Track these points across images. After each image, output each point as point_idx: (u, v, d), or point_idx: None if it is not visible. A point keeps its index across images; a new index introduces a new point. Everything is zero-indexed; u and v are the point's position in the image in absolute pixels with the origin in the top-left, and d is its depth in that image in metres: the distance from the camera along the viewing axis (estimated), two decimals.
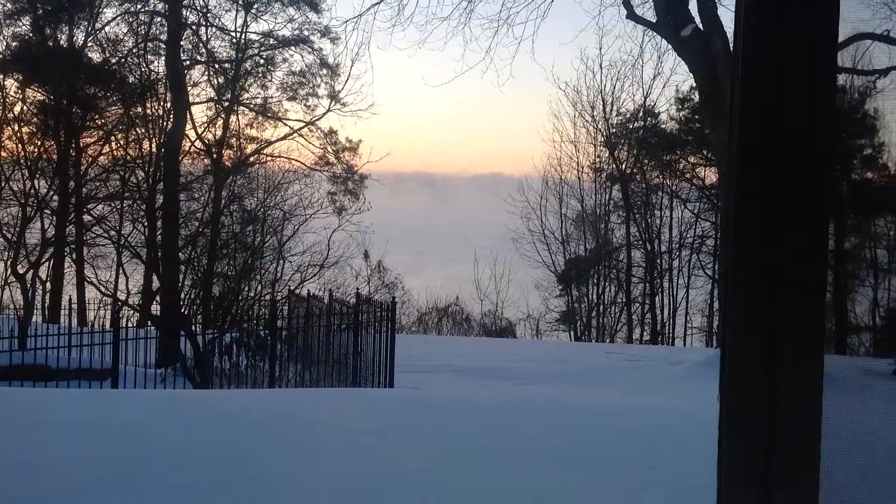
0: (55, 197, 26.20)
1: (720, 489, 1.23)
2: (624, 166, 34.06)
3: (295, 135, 28.62)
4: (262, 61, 28.36)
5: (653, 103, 33.76)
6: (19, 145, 26.12)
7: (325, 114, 28.33)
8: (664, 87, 36.70)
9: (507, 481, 4.49)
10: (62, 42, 27.00)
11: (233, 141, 28.44)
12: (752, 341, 1.24)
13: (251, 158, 28.78)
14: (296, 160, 28.74)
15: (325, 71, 28.01)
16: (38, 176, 25.98)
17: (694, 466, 4.76)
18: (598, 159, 34.70)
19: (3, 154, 26.04)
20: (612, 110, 33.78)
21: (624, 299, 33.81)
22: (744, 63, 1.22)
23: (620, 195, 34.19)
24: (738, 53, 1.22)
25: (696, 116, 30.76)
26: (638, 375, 14.70)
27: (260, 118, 28.72)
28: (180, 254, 24.07)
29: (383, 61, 56.48)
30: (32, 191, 25.56)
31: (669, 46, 21.59)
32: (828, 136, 1.22)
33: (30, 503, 3.80)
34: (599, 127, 34.14)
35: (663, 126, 33.59)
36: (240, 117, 28.51)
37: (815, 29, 1.21)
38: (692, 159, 32.91)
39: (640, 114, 33.57)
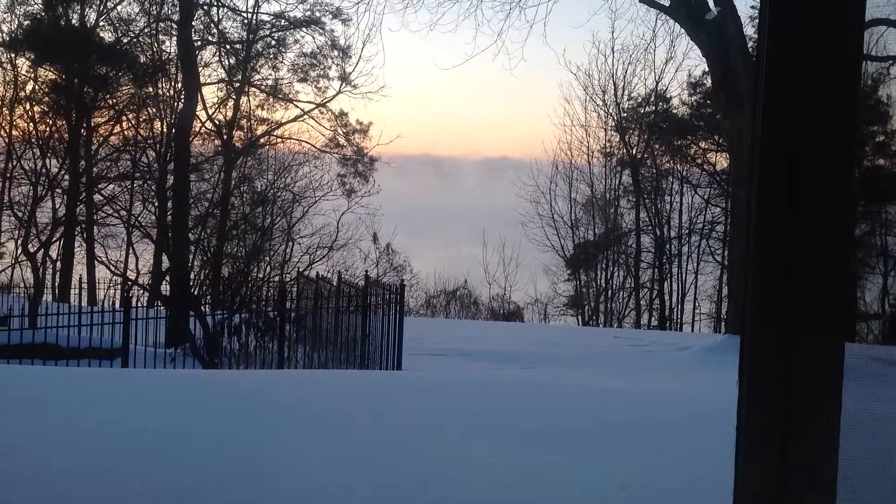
0: (66, 176, 26.26)
1: (737, 473, 1.22)
2: (634, 151, 33.94)
3: (305, 116, 28.62)
4: (273, 42, 28.33)
5: (664, 88, 33.62)
6: (31, 124, 26.16)
7: (335, 95, 28.32)
8: (676, 71, 36.60)
9: (510, 462, 4.50)
10: (74, 21, 27.00)
11: (243, 122, 28.46)
12: (769, 330, 1.24)
13: (261, 140, 28.78)
14: (306, 142, 28.76)
15: (336, 52, 27.99)
16: (49, 155, 26.03)
17: (704, 450, 4.76)
18: (608, 144, 34.63)
19: (15, 133, 26.08)
20: (623, 94, 33.67)
21: (632, 284, 33.78)
22: (770, 46, 1.21)
23: (630, 180, 34.09)
24: (764, 33, 1.21)
25: (708, 101, 30.59)
26: (646, 360, 14.70)
27: (270, 100, 28.72)
28: (190, 234, 24.10)
29: (394, 43, 56.22)
30: (44, 170, 25.62)
31: (682, 30, 21.47)
32: (850, 115, 1.21)
33: (38, 481, 3.82)
34: (610, 111, 34.04)
35: (675, 111, 33.44)
36: (251, 98, 28.53)
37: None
38: (703, 145, 32.77)
39: (652, 98, 33.42)
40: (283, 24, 28.01)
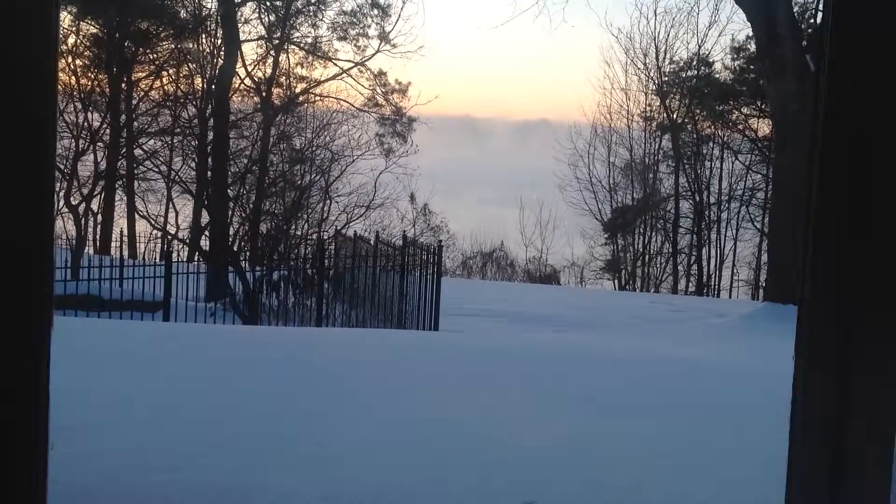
0: (107, 130, 26.48)
1: (793, 441, 1.23)
2: (675, 115, 33.56)
3: (344, 75, 28.56)
4: (313, 0, 28.21)
5: (707, 52, 33.08)
6: (72, 78, 26.34)
7: (374, 54, 28.20)
8: (720, 35, 35.99)
9: (547, 426, 4.53)
10: None
11: (282, 80, 28.45)
12: (828, 300, 1.24)
13: (300, 98, 28.78)
14: (344, 101, 28.72)
15: (375, 11, 27.83)
16: (90, 109, 26.24)
17: (744, 417, 4.76)
18: (648, 108, 34.27)
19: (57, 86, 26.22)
20: (665, 58, 33.23)
21: (670, 250, 33.57)
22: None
23: (670, 145, 33.76)
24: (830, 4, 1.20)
25: (752, 67, 30.09)
26: (683, 326, 14.66)
27: (310, 57, 28.66)
28: (229, 190, 24.28)
29: (434, 2, 55.66)
30: (85, 123, 25.84)
31: None
32: None
33: (76, 431, 3.92)
34: (651, 75, 33.63)
35: (717, 75, 32.93)
36: (290, 56, 28.50)
37: None
38: (745, 110, 32.28)
39: (694, 62, 32.94)
40: None
